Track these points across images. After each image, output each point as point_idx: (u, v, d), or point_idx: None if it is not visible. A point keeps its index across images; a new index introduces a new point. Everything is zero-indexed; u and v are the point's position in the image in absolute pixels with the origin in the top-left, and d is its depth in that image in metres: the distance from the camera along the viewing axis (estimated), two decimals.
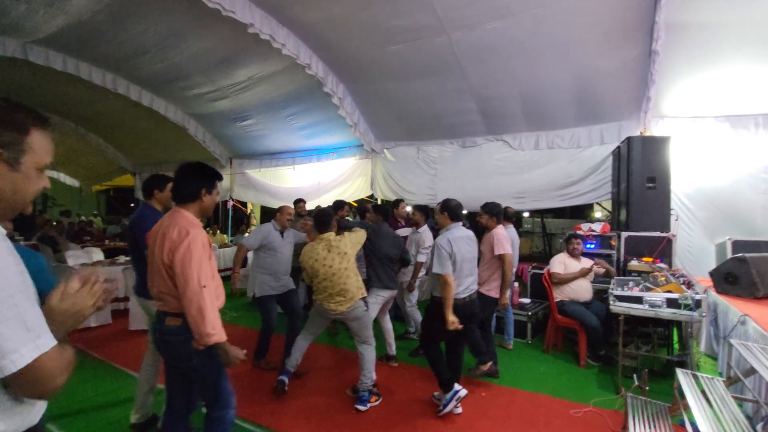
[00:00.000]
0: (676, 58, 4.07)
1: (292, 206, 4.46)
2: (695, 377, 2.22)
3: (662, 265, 4.02)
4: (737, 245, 4.11)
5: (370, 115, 6.47)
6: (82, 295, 0.97)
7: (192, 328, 1.78)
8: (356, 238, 3.25)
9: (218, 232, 9.29)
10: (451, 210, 3.07)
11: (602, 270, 4.23)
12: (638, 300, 3.27)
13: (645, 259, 4.16)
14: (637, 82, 4.48)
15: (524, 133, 5.69)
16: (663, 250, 4.17)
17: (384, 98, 5.95)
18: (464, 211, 5.33)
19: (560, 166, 5.46)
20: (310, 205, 6.46)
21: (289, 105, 6.70)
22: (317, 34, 4.95)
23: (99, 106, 8.06)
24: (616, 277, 4.03)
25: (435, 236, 4.73)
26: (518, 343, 4.50)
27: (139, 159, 10.77)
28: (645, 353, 3.74)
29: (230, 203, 9.42)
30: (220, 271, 2.02)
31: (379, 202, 7.21)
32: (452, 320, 2.83)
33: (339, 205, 4.68)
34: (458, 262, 2.91)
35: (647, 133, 4.68)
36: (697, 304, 3.08)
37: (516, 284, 4.75)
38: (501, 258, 3.49)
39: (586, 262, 4.26)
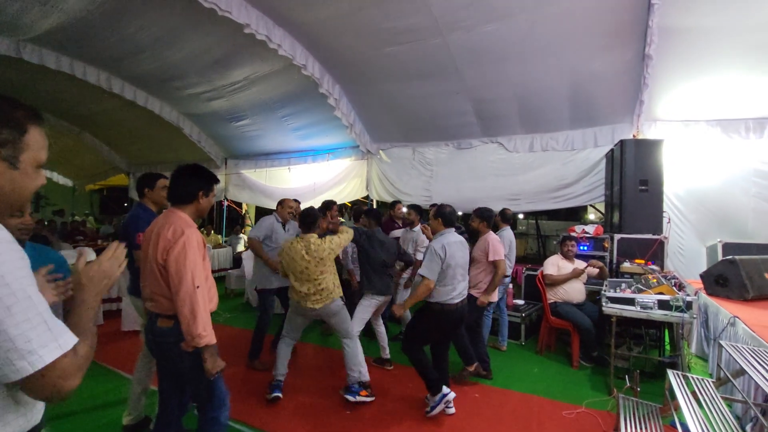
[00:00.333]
0: (669, 62, 4.11)
1: (280, 203, 4.44)
2: (686, 378, 2.24)
3: (654, 267, 4.05)
4: (728, 248, 4.17)
5: (365, 116, 6.48)
6: (105, 261, 1.07)
7: (183, 328, 1.77)
8: (337, 242, 3.15)
9: (212, 232, 9.24)
10: (445, 217, 3.04)
11: (596, 271, 4.26)
12: (630, 302, 3.29)
13: (637, 261, 4.19)
14: (630, 86, 4.53)
15: (519, 135, 5.73)
16: (655, 252, 4.21)
17: (380, 99, 5.96)
18: (459, 213, 5.40)
19: (554, 168, 5.50)
20: (305, 206, 6.44)
21: (285, 105, 6.70)
22: (313, 35, 4.95)
23: (93, 106, 8.00)
24: (608, 279, 4.06)
25: None
26: (512, 345, 4.52)
27: (134, 159, 10.70)
28: (637, 354, 3.77)
29: (225, 204, 9.38)
30: (214, 272, 2.02)
31: (374, 203, 7.23)
32: (398, 309, 3.05)
33: (328, 205, 4.64)
34: (452, 268, 2.89)
35: (640, 136, 4.74)
36: (688, 305, 3.11)
37: (510, 286, 4.77)
38: (494, 264, 3.53)
39: (580, 264, 4.29)
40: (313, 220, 3.14)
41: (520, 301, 5.11)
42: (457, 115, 5.72)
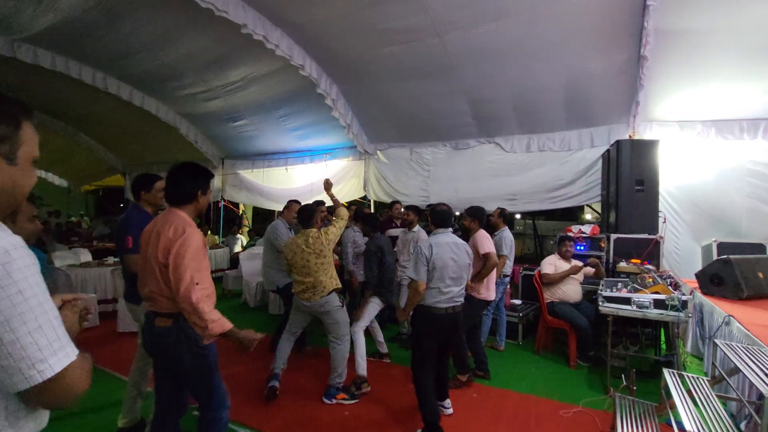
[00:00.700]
0: (665, 63, 4.14)
1: (286, 207, 4.55)
2: (681, 377, 2.26)
3: (650, 266, 4.09)
4: (722, 247, 4.21)
5: (363, 117, 6.48)
6: (67, 314, 0.99)
7: (193, 325, 1.78)
8: (333, 232, 3.24)
9: (209, 233, 9.21)
10: (434, 216, 2.96)
11: (592, 270, 4.29)
12: (626, 301, 3.32)
13: (633, 260, 4.22)
14: (626, 87, 4.56)
15: (516, 135, 5.75)
16: (651, 251, 4.24)
17: (377, 100, 5.97)
18: (456, 213, 5.41)
19: (551, 168, 5.53)
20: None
21: (282, 106, 6.69)
22: (311, 35, 4.95)
23: (89, 106, 7.96)
24: (604, 279, 4.08)
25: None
26: (509, 345, 4.53)
27: (130, 159, 10.64)
28: (633, 354, 3.80)
29: (222, 204, 9.35)
30: (211, 272, 2.02)
31: (372, 203, 7.23)
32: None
33: (317, 203, 4.80)
34: (438, 269, 2.73)
35: (636, 137, 4.76)
36: (684, 305, 3.14)
37: (508, 286, 4.79)
38: (485, 257, 3.50)
39: (577, 264, 4.32)
40: (310, 215, 3.28)
41: (518, 301, 5.13)
42: (454, 116, 5.73)
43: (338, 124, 6.33)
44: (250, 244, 8.25)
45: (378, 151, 6.92)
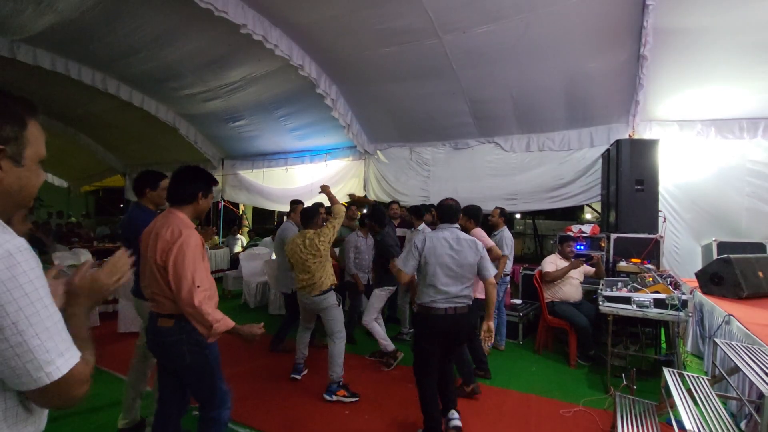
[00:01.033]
0: (664, 62, 4.14)
1: (292, 209, 4.58)
2: (681, 376, 2.26)
3: (650, 266, 4.09)
4: (722, 246, 4.21)
5: (363, 117, 6.48)
6: (109, 274, 1.05)
7: (196, 326, 1.81)
8: (327, 232, 3.28)
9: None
10: (439, 210, 2.89)
11: (592, 270, 4.29)
12: (626, 300, 3.32)
13: (633, 260, 4.22)
14: (626, 86, 4.56)
15: (516, 135, 5.75)
16: (651, 251, 4.24)
17: (377, 100, 5.96)
18: None
19: (551, 168, 5.52)
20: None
21: (282, 106, 6.68)
22: (310, 35, 4.95)
23: (89, 106, 7.96)
24: (605, 278, 4.08)
25: None
26: (510, 344, 4.54)
27: (130, 160, 10.64)
28: (633, 353, 3.80)
29: (222, 204, 9.35)
30: (211, 273, 2.04)
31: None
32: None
33: (317, 206, 4.94)
34: (431, 265, 2.58)
35: (636, 136, 4.76)
36: (684, 304, 3.14)
37: (508, 285, 4.79)
38: (489, 251, 3.44)
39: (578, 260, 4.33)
40: (309, 216, 3.44)
41: (518, 301, 5.13)
42: (453, 116, 5.73)
43: (338, 124, 6.33)
44: (250, 245, 8.25)
45: (378, 151, 6.92)
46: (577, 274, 4.29)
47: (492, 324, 2.70)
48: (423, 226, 4.44)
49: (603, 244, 4.64)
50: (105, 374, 3.68)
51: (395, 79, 5.39)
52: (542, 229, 10.94)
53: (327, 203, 3.96)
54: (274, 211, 10.94)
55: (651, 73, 4.20)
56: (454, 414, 2.74)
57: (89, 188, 13.93)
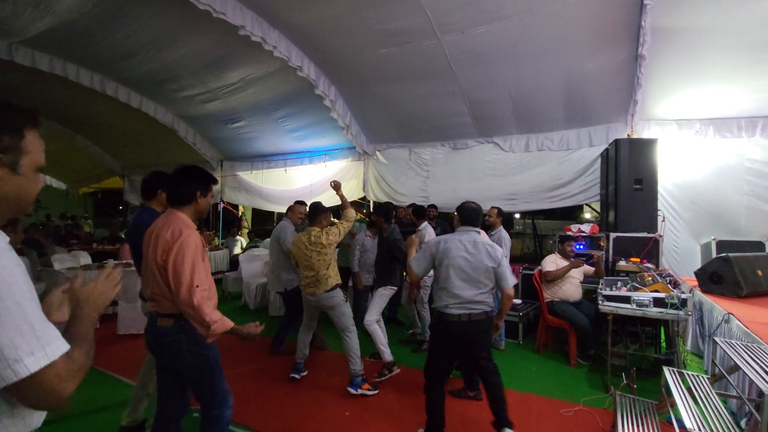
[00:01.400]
0: (662, 62, 4.15)
1: (290, 209, 4.60)
2: (681, 375, 2.26)
3: (649, 265, 4.09)
4: (721, 245, 4.21)
5: (362, 118, 6.49)
6: (100, 281, 1.06)
7: (195, 326, 1.82)
8: (335, 232, 3.31)
9: (213, 233, 9.20)
10: (460, 213, 2.73)
11: (592, 269, 4.29)
12: (626, 300, 3.32)
13: (633, 259, 4.23)
14: (624, 86, 4.57)
15: (515, 135, 5.75)
16: (650, 250, 4.25)
17: (376, 100, 5.97)
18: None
19: (550, 168, 5.53)
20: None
21: (281, 107, 6.69)
22: (309, 36, 4.96)
23: (87, 108, 7.95)
24: (604, 277, 4.09)
25: (436, 232, 4.79)
26: (510, 344, 4.53)
27: (128, 161, 10.63)
28: (633, 352, 3.80)
29: (221, 206, 9.34)
30: (211, 274, 2.04)
31: (371, 204, 7.23)
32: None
33: (302, 202, 5.07)
34: (444, 267, 2.51)
35: (634, 136, 4.77)
36: (683, 303, 3.14)
37: None
38: None
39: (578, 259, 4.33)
40: (315, 213, 3.47)
41: (518, 301, 5.13)
42: (452, 116, 5.74)
43: (337, 124, 6.33)
44: (249, 246, 8.24)
45: (377, 152, 6.92)
46: (577, 274, 4.30)
47: (501, 323, 2.74)
48: (425, 225, 4.44)
49: (602, 244, 4.64)
50: (104, 376, 3.67)
51: (394, 80, 5.39)
52: (542, 229, 10.97)
53: (326, 202, 3.97)
54: (273, 213, 10.92)
55: (649, 73, 4.21)
56: None
57: (88, 190, 13.91)
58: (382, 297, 3.92)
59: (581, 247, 4.88)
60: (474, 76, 4.98)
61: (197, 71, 5.97)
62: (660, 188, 4.52)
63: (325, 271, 3.31)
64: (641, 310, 3.24)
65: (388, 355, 3.59)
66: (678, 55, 4.09)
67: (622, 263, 4.22)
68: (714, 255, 4.08)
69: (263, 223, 12.75)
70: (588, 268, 4.32)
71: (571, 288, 4.24)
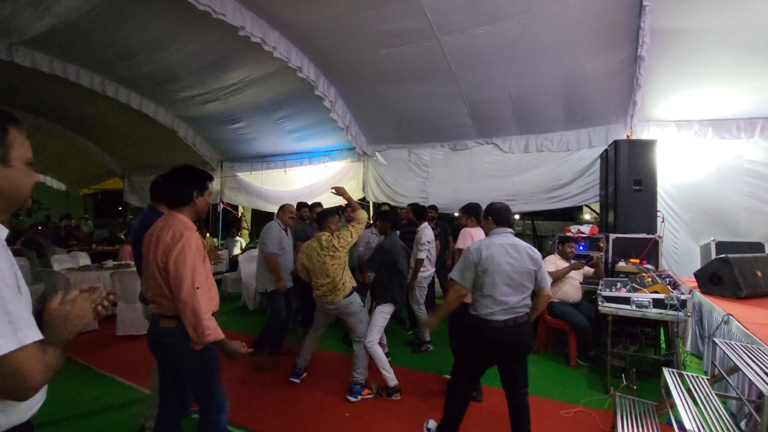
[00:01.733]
0: (662, 63, 4.16)
1: (281, 209, 4.49)
2: (681, 376, 2.26)
3: (649, 266, 4.09)
4: (721, 246, 4.22)
5: (361, 118, 6.49)
6: (79, 302, 1.02)
7: (188, 329, 1.80)
8: (346, 236, 3.23)
9: (207, 235, 9.19)
10: (493, 213, 2.61)
11: (591, 270, 4.29)
12: (626, 301, 3.32)
13: (632, 260, 4.23)
14: (623, 87, 4.57)
15: (514, 136, 5.76)
16: (650, 251, 4.25)
17: (376, 101, 5.97)
18: (456, 213, 5.42)
19: (550, 169, 5.54)
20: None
21: (281, 108, 6.69)
22: (309, 37, 4.96)
23: (87, 109, 7.95)
24: (604, 279, 4.09)
25: (435, 233, 4.76)
26: None
27: (128, 162, 10.64)
28: (633, 353, 3.80)
29: (220, 207, 9.34)
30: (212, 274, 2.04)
31: (370, 205, 7.23)
32: (430, 322, 2.66)
33: (316, 204, 5.20)
34: (490, 274, 2.36)
35: (634, 137, 4.78)
36: (683, 304, 3.15)
37: None
38: (459, 252, 3.43)
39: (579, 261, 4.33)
40: (322, 218, 3.37)
41: None
42: (452, 117, 5.74)
43: (336, 125, 6.33)
44: (249, 247, 8.23)
45: (376, 153, 6.93)
46: (577, 275, 4.29)
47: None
48: (424, 225, 4.44)
49: (602, 245, 4.65)
50: (103, 377, 3.66)
51: (394, 81, 5.40)
52: (541, 230, 10.96)
53: (326, 203, 3.95)
54: (273, 213, 10.91)
55: (648, 74, 4.21)
56: None
57: (88, 191, 13.90)
58: (382, 315, 3.48)
59: (581, 248, 4.88)
60: (473, 77, 4.99)
61: (197, 72, 5.97)
62: (659, 189, 4.52)
63: (341, 277, 3.22)
64: (641, 311, 3.24)
65: (391, 380, 3.30)
66: (677, 57, 4.10)
67: (621, 264, 4.22)
68: (713, 256, 4.08)
69: (263, 223, 12.67)
70: (588, 269, 4.32)
71: (571, 289, 4.23)
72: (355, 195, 7.21)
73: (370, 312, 3.59)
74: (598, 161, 5.16)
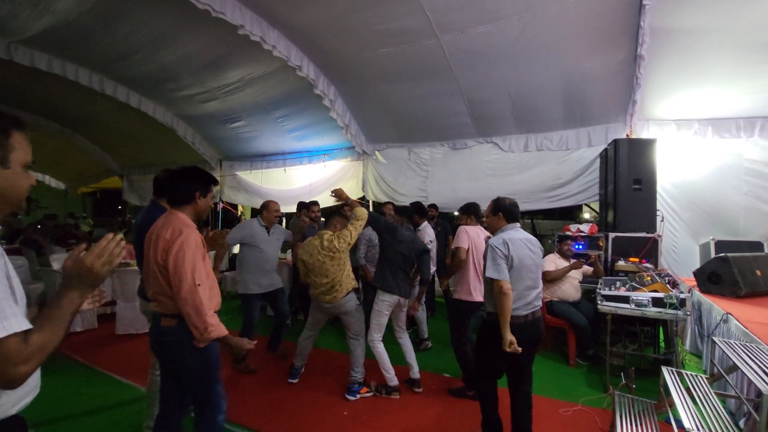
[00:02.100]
0: (661, 62, 4.16)
1: (263, 206, 4.35)
2: (680, 375, 2.26)
3: (648, 265, 4.09)
4: (720, 245, 4.22)
5: (361, 117, 6.48)
6: (97, 256, 1.07)
7: (191, 327, 1.80)
8: (348, 234, 3.20)
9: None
10: (503, 209, 2.64)
11: (591, 269, 4.30)
12: (625, 299, 3.32)
13: (632, 259, 4.23)
14: (623, 86, 4.57)
15: (514, 135, 5.75)
16: (649, 250, 4.25)
17: (375, 100, 5.96)
18: (455, 213, 5.42)
19: (549, 168, 5.53)
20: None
21: (280, 107, 6.68)
22: (308, 36, 4.95)
23: (86, 108, 7.93)
24: (603, 277, 4.09)
25: (436, 232, 4.76)
26: None
27: (127, 161, 10.61)
28: (632, 352, 3.80)
29: (220, 205, 9.33)
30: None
31: (370, 204, 7.23)
32: (510, 340, 2.27)
33: (313, 203, 5.26)
34: (516, 269, 2.38)
35: (633, 136, 4.78)
36: (682, 303, 3.15)
37: None
38: (453, 251, 3.41)
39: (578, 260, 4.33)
40: (330, 217, 3.41)
41: None
42: (452, 116, 5.74)
43: (336, 124, 6.32)
44: None
45: (376, 152, 6.92)
46: (576, 274, 4.30)
47: None
48: (425, 224, 4.44)
49: (601, 244, 4.65)
50: (103, 376, 3.66)
51: (393, 80, 5.39)
52: (541, 229, 10.96)
53: (324, 203, 3.94)
54: None
55: (648, 73, 4.21)
56: None
57: (86, 190, 13.87)
58: (380, 312, 3.34)
59: (580, 247, 4.88)
60: (473, 76, 4.98)
61: (196, 71, 5.96)
62: (659, 188, 4.52)
63: (340, 277, 3.21)
64: (640, 310, 3.24)
65: (391, 380, 3.29)
66: (677, 56, 4.09)
67: (621, 263, 4.23)
68: (713, 255, 4.09)
69: None
70: (587, 268, 4.33)
71: (570, 288, 4.24)
72: (355, 194, 7.21)
73: (372, 302, 3.45)
74: (598, 160, 5.16)
